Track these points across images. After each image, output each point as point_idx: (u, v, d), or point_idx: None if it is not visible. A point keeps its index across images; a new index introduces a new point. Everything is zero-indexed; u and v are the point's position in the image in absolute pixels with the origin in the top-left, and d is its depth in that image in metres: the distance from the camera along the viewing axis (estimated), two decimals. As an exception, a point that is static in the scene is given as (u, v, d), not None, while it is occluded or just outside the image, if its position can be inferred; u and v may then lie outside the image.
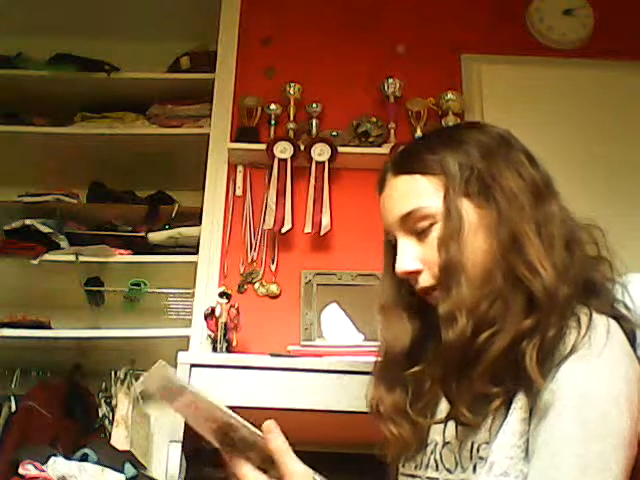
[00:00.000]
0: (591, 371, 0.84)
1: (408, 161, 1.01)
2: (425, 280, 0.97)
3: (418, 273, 0.98)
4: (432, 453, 0.97)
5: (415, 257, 0.97)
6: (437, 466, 0.95)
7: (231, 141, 2.52)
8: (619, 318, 0.91)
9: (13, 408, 2.35)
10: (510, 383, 0.87)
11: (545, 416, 0.84)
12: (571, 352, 0.85)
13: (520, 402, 0.87)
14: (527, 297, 0.89)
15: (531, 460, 0.84)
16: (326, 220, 2.35)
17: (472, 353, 0.89)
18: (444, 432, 0.96)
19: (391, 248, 1.03)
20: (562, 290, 0.88)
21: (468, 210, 0.94)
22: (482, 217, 0.94)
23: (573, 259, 0.92)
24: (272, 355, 1.88)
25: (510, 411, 0.87)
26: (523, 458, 0.85)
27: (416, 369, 0.99)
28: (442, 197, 0.96)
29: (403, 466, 1.03)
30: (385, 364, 1.04)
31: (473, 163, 0.96)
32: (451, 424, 0.95)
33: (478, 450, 0.89)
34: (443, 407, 0.98)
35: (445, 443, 0.95)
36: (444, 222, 0.95)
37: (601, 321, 0.87)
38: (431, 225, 0.96)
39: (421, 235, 0.97)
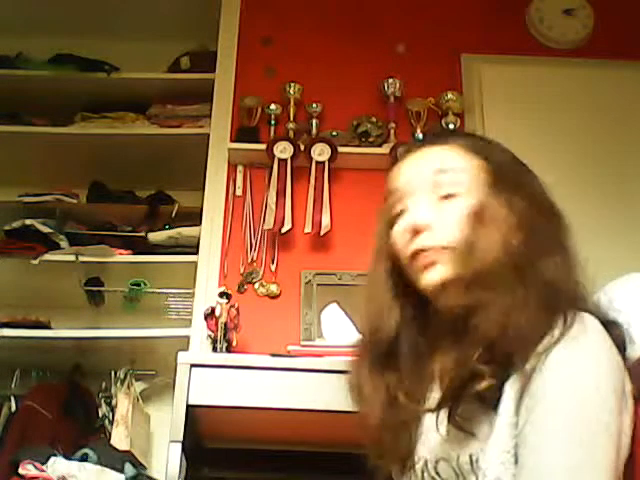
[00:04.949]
0: (573, 362, 0.86)
1: (456, 137, 1.06)
2: (425, 240, 0.97)
3: (423, 231, 0.98)
4: (423, 472, 0.96)
5: (429, 213, 0.98)
6: None
7: (231, 141, 2.52)
8: (606, 324, 0.92)
9: (13, 408, 2.35)
10: (499, 365, 0.88)
11: (531, 411, 0.85)
12: (555, 343, 0.86)
13: (507, 403, 0.87)
14: (525, 287, 0.91)
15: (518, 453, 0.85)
16: (326, 220, 2.35)
17: (463, 325, 0.91)
18: (433, 448, 0.96)
19: (388, 231, 1.03)
20: (557, 284, 0.92)
21: (493, 203, 0.96)
22: (503, 215, 0.96)
23: (567, 263, 0.96)
24: (272, 355, 1.88)
25: (499, 412, 0.87)
26: (514, 463, 0.85)
27: (404, 362, 1.00)
28: (476, 177, 0.98)
29: None
30: (368, 347, 1.04)
31: (508, 164, 1.02)
32: (438, 438, 0.94)
33: (477, 461, 0.89)
34: (433, 396, 0.98)
35: (440, 459, 0.94)
36: (470, 202, 0.97)
37: (582, 317, 0.90)
38: (456, 195, 0.98)
39: (442, 199, 0.98)
